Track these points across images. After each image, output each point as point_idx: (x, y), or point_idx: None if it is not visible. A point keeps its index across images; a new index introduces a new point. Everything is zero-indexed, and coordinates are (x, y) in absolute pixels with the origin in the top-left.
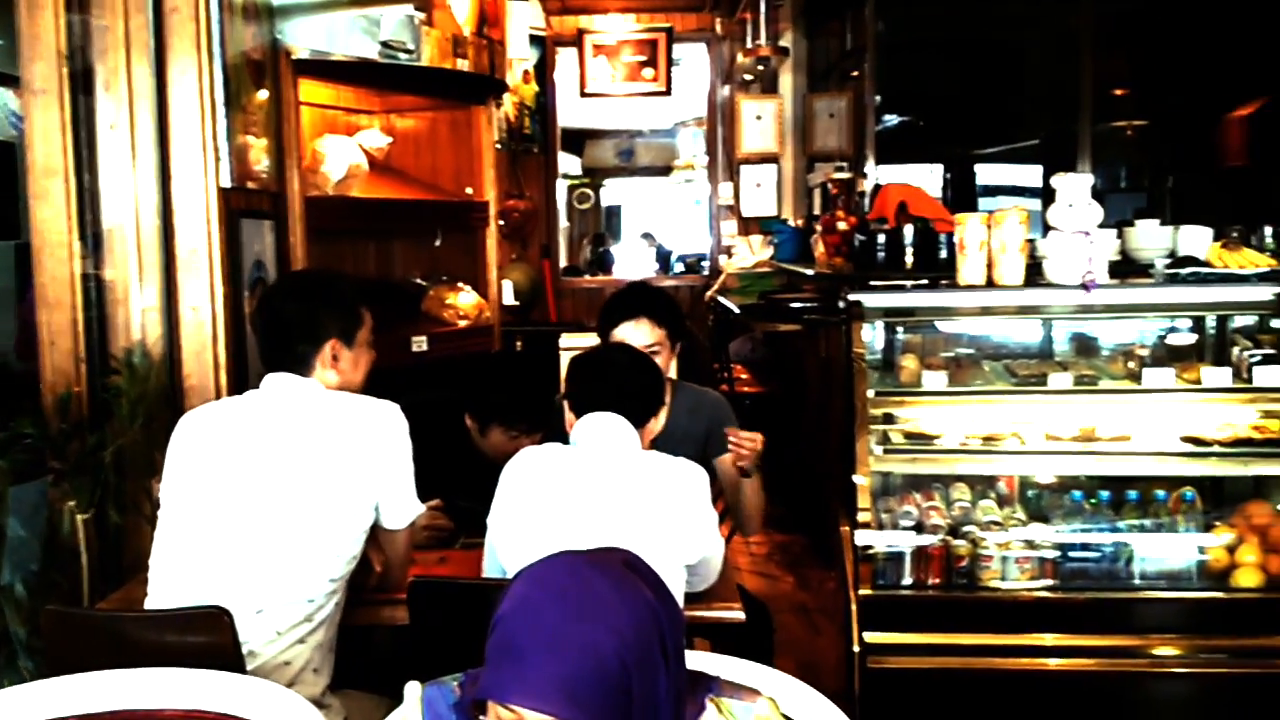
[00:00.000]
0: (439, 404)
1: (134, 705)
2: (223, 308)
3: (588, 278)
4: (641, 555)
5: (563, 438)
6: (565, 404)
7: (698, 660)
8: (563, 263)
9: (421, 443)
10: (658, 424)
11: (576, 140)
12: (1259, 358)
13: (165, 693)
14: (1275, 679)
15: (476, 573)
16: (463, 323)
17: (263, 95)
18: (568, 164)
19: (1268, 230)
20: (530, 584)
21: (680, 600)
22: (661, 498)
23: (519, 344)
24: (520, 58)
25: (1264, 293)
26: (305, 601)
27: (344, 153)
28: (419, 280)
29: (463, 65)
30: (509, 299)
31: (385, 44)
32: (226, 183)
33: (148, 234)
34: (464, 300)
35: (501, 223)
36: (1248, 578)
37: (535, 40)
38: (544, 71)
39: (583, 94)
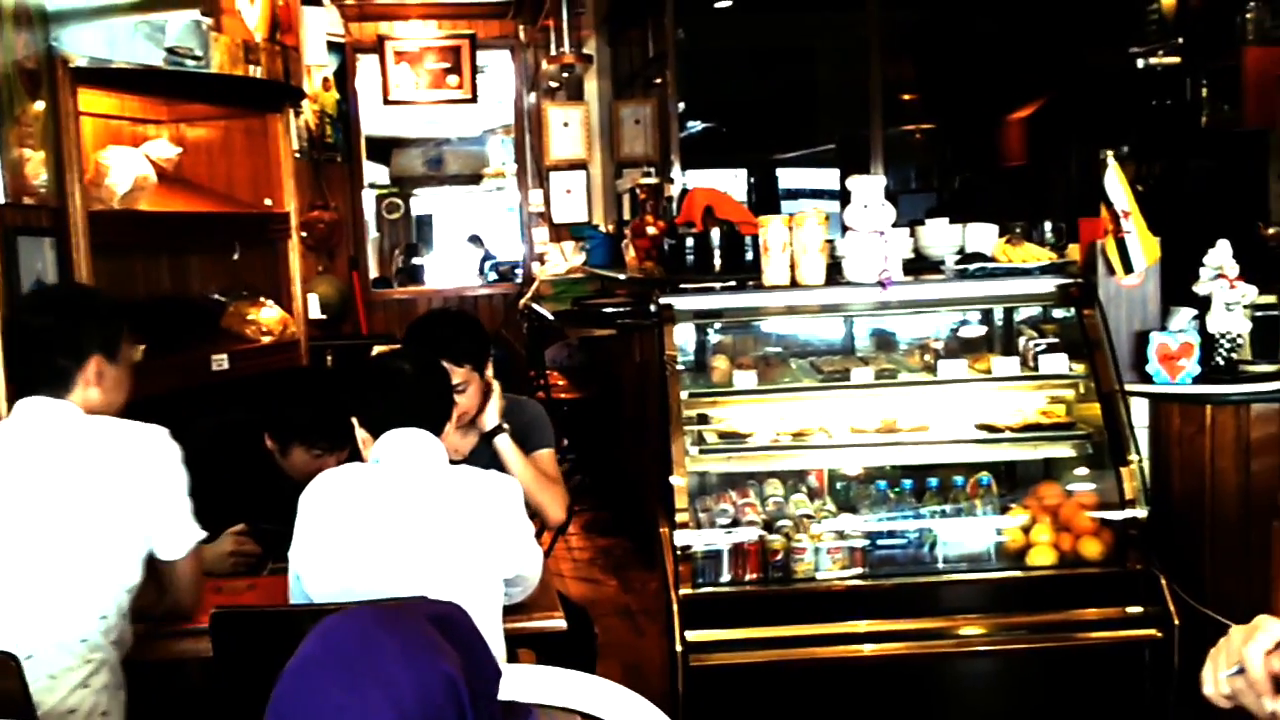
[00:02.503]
0: (241, 425)
1: None
2: (0, 332)
3: (399, 289)
4: (456, 572)
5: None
6: (355, 422)
7: (520, 675)
8: (374, 274)
9: (224, 465)
10: (453, 428)
11: (383, 149)
12: (1043, 346)
13: None
14: (1071, 651)
15: (286, 599)
16: (266, 339)
17: (39, 106)
18: (375, 173)
19: (1047, 225)
20: (316, 644)
21: (499, 616)
22: (474, 513)
23: (329, 359)
24: (318, 64)
25: (1046, 285)
26: (78, 643)
27: (130, 164)
28: (217, 296)
29: (255, 72)
30: (316, 313)
31: (171, 50)
32: (0, 199)
33: None
34: (266, 315)
35: (305, 234)
36: (1042, 556)
37: (334, 47)
38: (344, 79)
39: (386, 101)
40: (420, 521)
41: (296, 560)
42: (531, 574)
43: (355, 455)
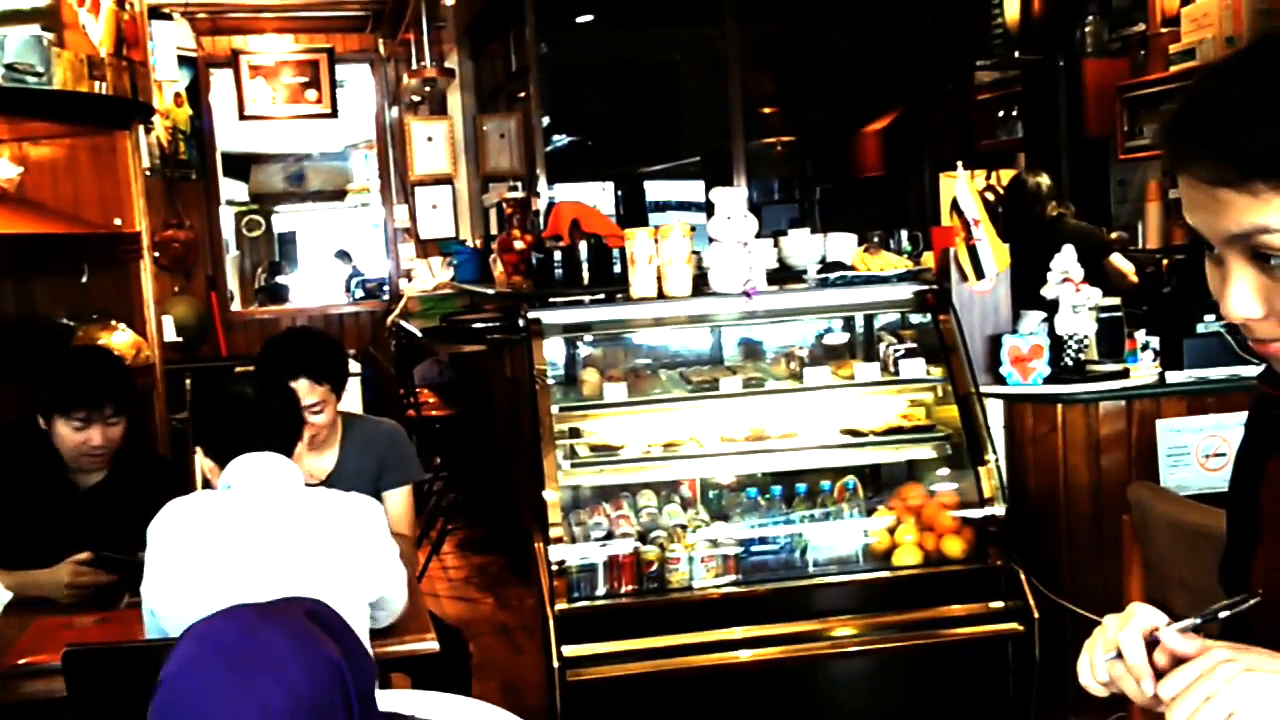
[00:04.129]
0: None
1: None
2: None
3: (261, 308)
4: (320, 598)
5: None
6: (200, 451)
7: (393, 700)
8: (236, 293)
9: (70, 492)
10: (304, 448)
11: (241, 165)
12: (902, 351)
13: None
14: (939, 647)
15: (143, 634)
16: None
17: None
18: (233, 190)
19: (904, 234)
20: (199, 642)
21: (366, 639)
22: (335, 536)
23: (188, 382)
24: (169, 80)
25: (903, 291)
26: None
27: None
28: (65, 320)
29: (101, 89)
30: (171, 335)
31: (10, 67)
32: None
33: None
34: (119, 339)
35: (158, 254)
36: (908, 555)
37: (186, 61)
38: (198, 94)
39: (242, 117)
40: (279, 547)
41: (150, 595)
42: (397, 597)
43: (132, 431)
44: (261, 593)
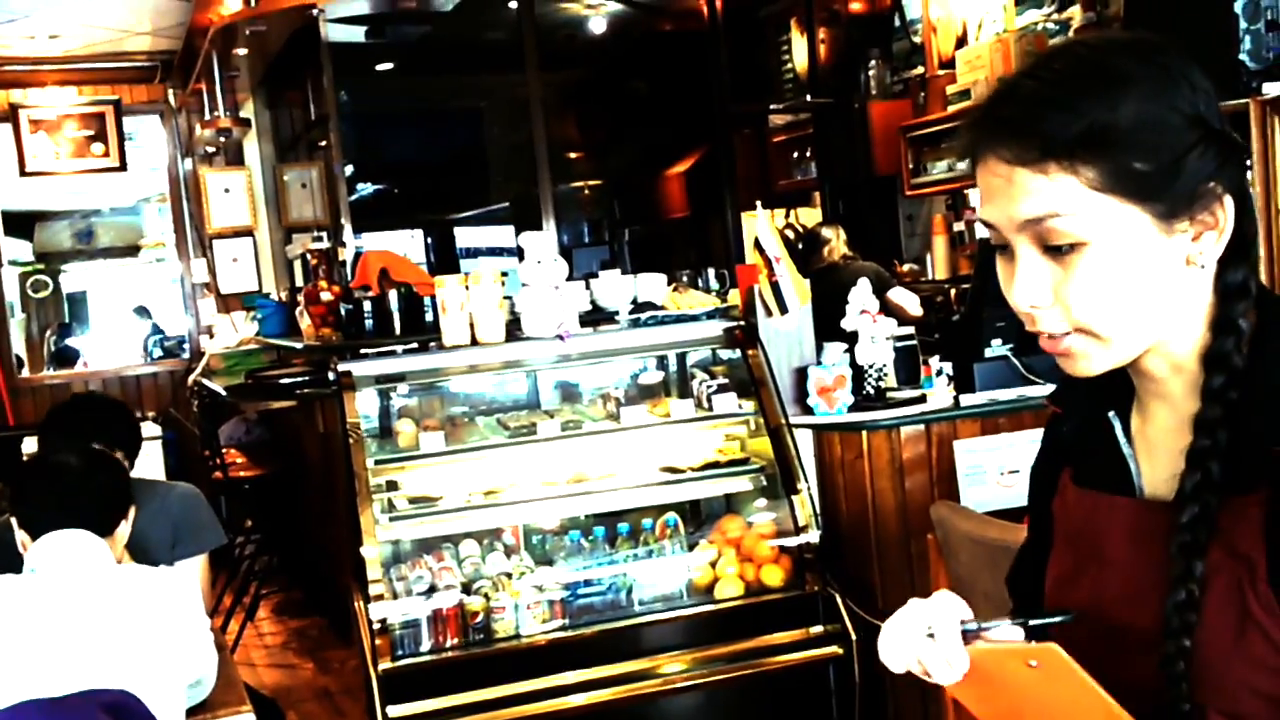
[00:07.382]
0: None
1: None
2: None
3: (51, 373)
4: (132, 684)
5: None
6: (14, 523)
7: None
8: (25, 358)
9: None
10: (128, 525)
11: (24, 223)
12: (714, 387)
13: None
14: (764, 676)
15: None
16: None
17: None
18: (16, 249)
19: (711, 272)
20: None
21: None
22: (145, 619)
23: None
24: None
25: (713, 329)
26: None
27: None
28: None
29: None
30: None
31: None
32: None
33: None
34: None
35: None
36: (730, 588)
37: None
38: None
39: (23, 173)
40: (85, 634)
41: None
42: (211, 675)
43: None
44: (65, 685)
